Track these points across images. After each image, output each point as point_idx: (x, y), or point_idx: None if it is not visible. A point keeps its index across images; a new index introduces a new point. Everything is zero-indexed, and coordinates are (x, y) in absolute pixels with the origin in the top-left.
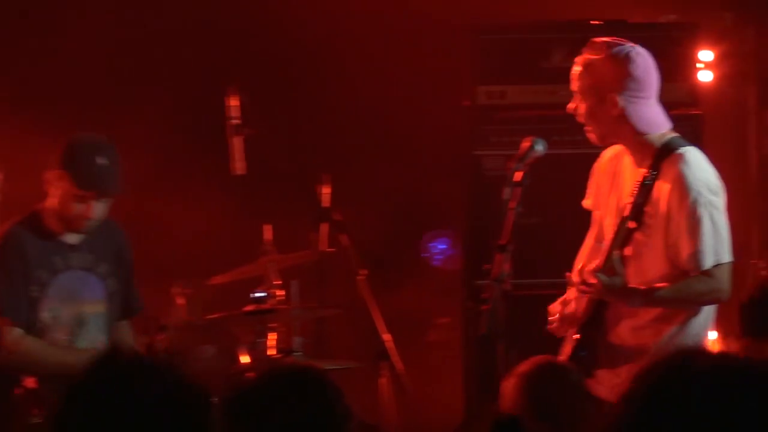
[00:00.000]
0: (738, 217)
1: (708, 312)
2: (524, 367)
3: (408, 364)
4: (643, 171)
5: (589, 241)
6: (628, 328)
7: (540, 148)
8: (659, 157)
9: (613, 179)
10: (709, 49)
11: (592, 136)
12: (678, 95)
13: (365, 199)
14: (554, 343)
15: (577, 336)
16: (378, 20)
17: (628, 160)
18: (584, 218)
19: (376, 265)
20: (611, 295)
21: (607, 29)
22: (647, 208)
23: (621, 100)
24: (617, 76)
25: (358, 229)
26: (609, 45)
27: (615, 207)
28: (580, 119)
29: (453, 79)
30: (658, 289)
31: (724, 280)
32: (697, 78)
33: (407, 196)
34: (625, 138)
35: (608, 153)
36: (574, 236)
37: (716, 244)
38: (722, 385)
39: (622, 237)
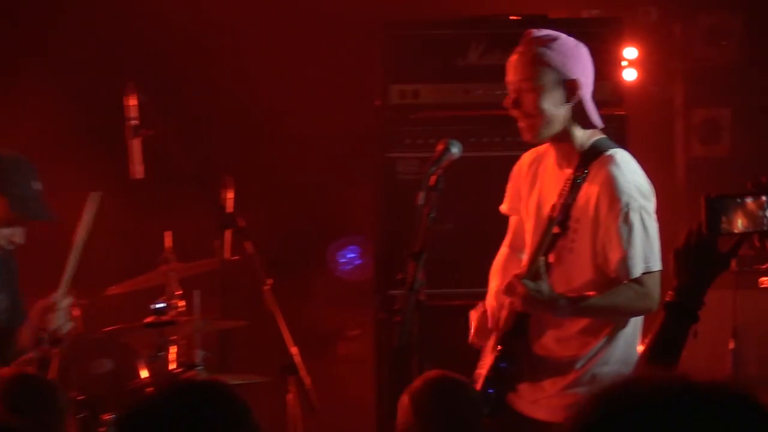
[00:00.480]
0: (664, 223)
1: (636, 324)
2: (416, 383)
3: (317, 379)
4: (567, 172)
5: (504, 248)
6: (553, 340)
7: (455, 150)
8: (587, 159)
9: (533, 183)
10: (634, 46)
11: (528, 133)
12: (601, 95)
13: (272, 204)
14: (471, 355)
15: (499, 347)
16: (286, 16)
17: (549, 162)
18: (502, 224)
19: (283, 274)
20: (536, 303)
21: (526, 25)
22: (573, 212)
23: (581, 86)
24: (578, 63)
25: (264, 236)
26: (553, 34)
27: (535, 211)
28: (521, 113)
29: (364, 77)
30: (586, 297)
31: (655, 288)
32: (621, 76)
33: (316, 201)
34: (562, 134)
35: (528, 156)
36: (491, 243)
37: (647, 251)
38: (666, 413)
39: (547, 242)
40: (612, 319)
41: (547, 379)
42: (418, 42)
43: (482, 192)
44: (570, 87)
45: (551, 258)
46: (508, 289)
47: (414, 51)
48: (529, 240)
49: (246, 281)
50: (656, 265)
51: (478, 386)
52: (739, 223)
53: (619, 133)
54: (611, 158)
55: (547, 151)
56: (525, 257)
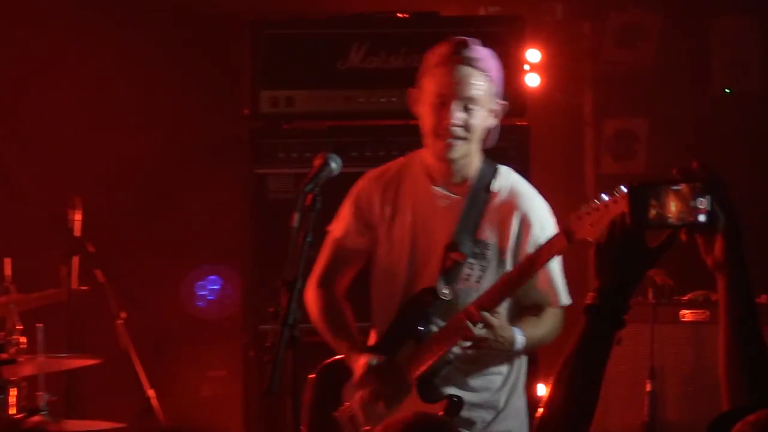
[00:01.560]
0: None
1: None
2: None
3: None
4: (461, 196)
5: (317, 289)
6: (466, 381)
7: (335, 165)
8: (483, 181)
9: (396, 203)
10: (537, 48)
11: (454, 150)
12: None
13: (125, 228)
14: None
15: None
16: (144, 13)
17: (420, 180)
18: None
19: (138, 306)
20: (498, 342)
21: (415, 23)
22: (479, 235)
23: (502, 108)
24: (501, 81)
25: (116, 264)
26: (489, 50)
27: (411, 234)
28: (465, 133)
29: (231, 83)
30: (527, 327)
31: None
32: (523, 82)
33: (176, 224)
34: (470, 153)
35: (378, 176)
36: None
37: (562, 275)
38: None
39: (454, 274)
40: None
41: (474, 422)
42: (292, 43)
43: None
44: (501, 109)
45: (459, 286)
46: (474, 329)
47: (287, 53)
48: (394, 270)
49: (96, 314)
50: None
51: None
52: (669, 215)
53: (520, 146)
54: (517, 183)
55: (404, 171)
56: (393, 288)
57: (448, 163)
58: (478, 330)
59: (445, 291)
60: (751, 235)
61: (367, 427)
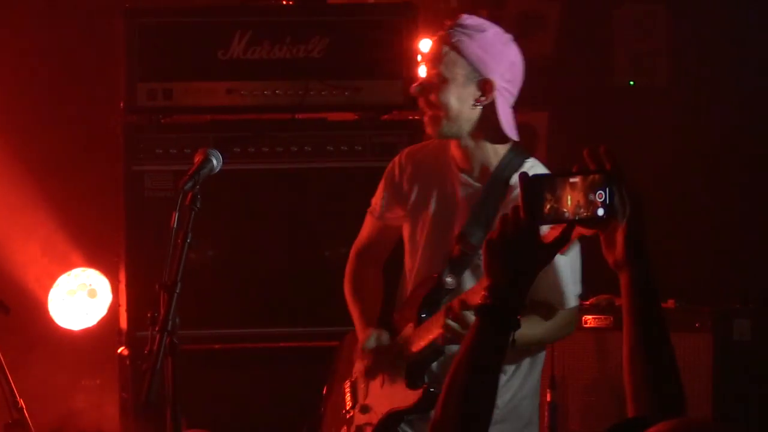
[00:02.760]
0: None
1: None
2: None
3: None
4: (479, 185)
5: (357, 263)
6: None
7: (216, 162)
8: (504, 171)
9: (426, 185)
10: (430, 38)
11: (430, 127)
12: (391, 95)
13: None
14: (237, 408)
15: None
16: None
17: (448, 166)
18: (273, 252)
19: (4, 311)
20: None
21: (299, 12)
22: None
23: (496, 89)
24: (500, 64)
25: None
26: (488, 23)
27: (432, 221)
28: (426, 102)
29: (105, 74)
30: (530, 326)
31: (576, 315)
32: (415, 74)
33: (47, 224)
34: (472, 139)
35: (411, 155)
36: (260, 274)
37: (579, 273)
38: None
39: (462, 264)
40: (543, 347)
41: None
42: (170, 31)
43: (250, 212)
44: (483, 87)
45: (461, 277)
46: (453, 327)
47: (165, 42)
48: (413, 254)
49: None
50: (580, 287)
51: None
52: (565, 209)
53: (413, 141)
54: (536, 169)
55: (440, 151)
56: (414, 272)
57: (462, 149)
58: (453, 324)
59: (449, 280)
60: (652, 236)
61: (366, 402)
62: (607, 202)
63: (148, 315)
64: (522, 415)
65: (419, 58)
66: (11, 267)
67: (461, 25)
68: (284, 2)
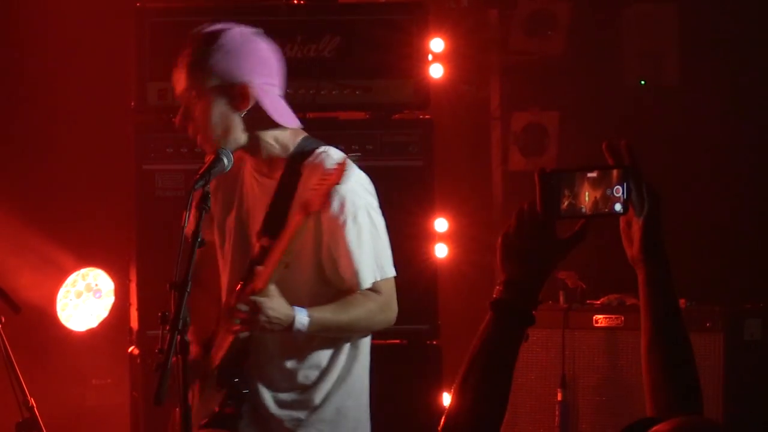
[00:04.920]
0: (480, 248)
1: (367, 345)
2: None
3: None
4: (274, 180)
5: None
6: (281, 371)
7: (227, 161)
8: (296, 161)
9: (230, 196)
10: (441, 37)
11: (206, 147)
12: (401, 95)
13: (7, 227)
14: None
15: (223, 390)
16: None
17: (247, 172)
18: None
19: (15, 310)
20: (273, 324)
21: (310, 11)
22: (289, 220)
23: (254, 89)
24: (247, 61)
25: None
26: (217, 30)
27: (237, 229)
28: (192, 131)
29: (116, 74)
30: (324, 310)
31: (393, 297)
32: (426, 73)
33: (58, 223)
34: (252, 142)
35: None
36: None
37: (380, 254)
38: None
39: (256, 255)
40: (350, 337)
41: (281, 420)
42: (181, 31)
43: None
44: (239, 93)
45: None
46: (240, 310)
47: (175, 42)
48: (225, 266)
49: None
50: (391, 271)
51: None
52: (583, 204)
53: (423, 141)
54: (325, 155)
55: (239, 160)
56: (228, 284)
57: (249, 152)
58: (242, 307)
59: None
60: (664, 235)
61: (203, 421)
62: (625, 197)
63: (159, 314)
64: (344, 413)
65: (430, 57)
66: (21, 266)
67: (196, 39)
68: (295, 1)
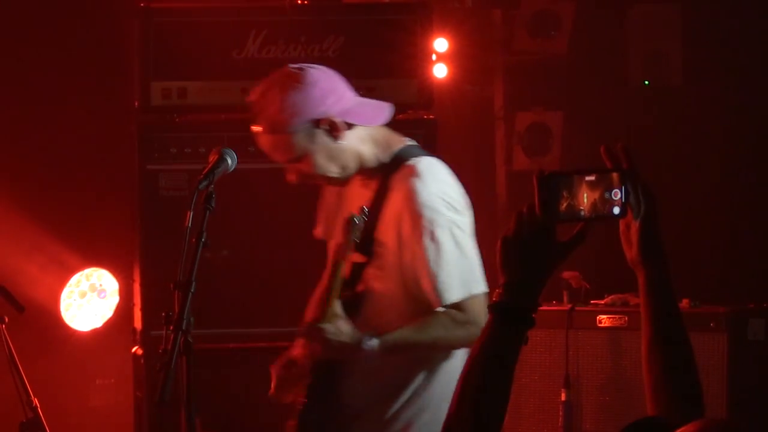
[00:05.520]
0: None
1: (462, 357)
2: None
3: None
4: (371, 189)
5: (323, 280)
6: (363, 385)
7: (231, 161)
8: (387, 172)
9: (340, 203)
10: (445, 37)
11: (335, 185)
12: (405, 95)
13: (14, 227)
14: (251, 408)
15: (303, 400)
16: None
17: (355, 180)
18: (288, 250)
19: (18, 309)
20: (339, 347)
21: (314, 11)
22: (378, 235)
23: (337, 116)
24: (311, 98)
25: None
26: (270, 81)
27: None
28: (315, 178)
29: (120, 73)
30: (397, 332)
31: (480, 314)
32: (430, 73)
33: (61, 222)
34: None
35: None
36: (275, 274)
37: (464, 271)
38: None
39: (338, 277)
40: (432, 354)
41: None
42: (184, 31)
43: (265, 212)
44: (328, 127)
45: (360, 289)
46: (308, 335)
47: (179, 42)
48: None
49: None
50: (479, 287)
51: None
52: (582, 207)
53: (427, 140)
54: (412, 168)
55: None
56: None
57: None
58: (309, 334)
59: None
60: (667, 236)
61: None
62: (623, 200)
63: (163, 314)
64: (416, 428)
65: (434, 57)
66: (25, 266)
67: (262, 112)
68: (299, 2)
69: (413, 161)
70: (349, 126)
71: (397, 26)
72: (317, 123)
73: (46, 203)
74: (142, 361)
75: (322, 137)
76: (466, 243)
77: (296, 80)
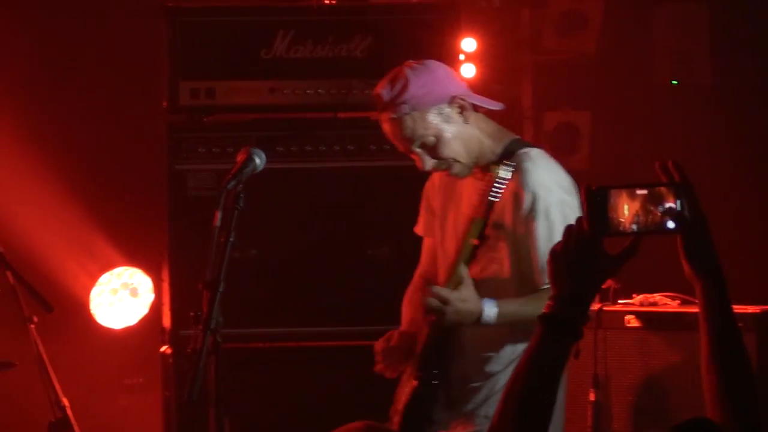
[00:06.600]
0: None
1: None
2: None
3: None
4: (485, 180)
5: (415, 277)
6: (472, 358)
7: (259, 161)
8: (500, 161)
9: (448, 198)
10: (473, 37)
11: (460, 173)
12: None
13: (35, 225)
14: (279, 407)
15: (418, 375)
16: None
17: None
18: (316, 251)
19: (47, 309)
20: (463, 313)
21: (342, 11)
22: (492, 219)
23: (460, 96)
24: (437, 80)
25: (26, 264)
26: (400, 76)
27: (454, 228)
28: (441, 162)
29: (148, 73)
30: (512, 302)
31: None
32: (459, 74)
33: (90, 222)
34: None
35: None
36: (303, 274)
37: None
38: None
39: (466, 254)
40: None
41: (466, 403)
42: (213, 30)
43: (292, 211)
44: (458, 106)
45: (476, 271)
46: (430, 304)
47: (208, 41)
48: (441, 263)
49: (5, 319)
50: None
51: (396, 422)
52: (631, 221)
53: None
54: (526, 155)
55: None
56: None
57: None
58: (433, 303)
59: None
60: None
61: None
62: (676, 214)
63: (191, 314)
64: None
65: (462, 57)
66: (54, 265)
67: (391, 101)
68: (327, 2)
69: (525, 150)
70: (474, 109)
71: (424, 26)
72: (450, 100)
73: (77, 203)
74: (170, 360)
75: (454, 117)
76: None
77: (422, 65)
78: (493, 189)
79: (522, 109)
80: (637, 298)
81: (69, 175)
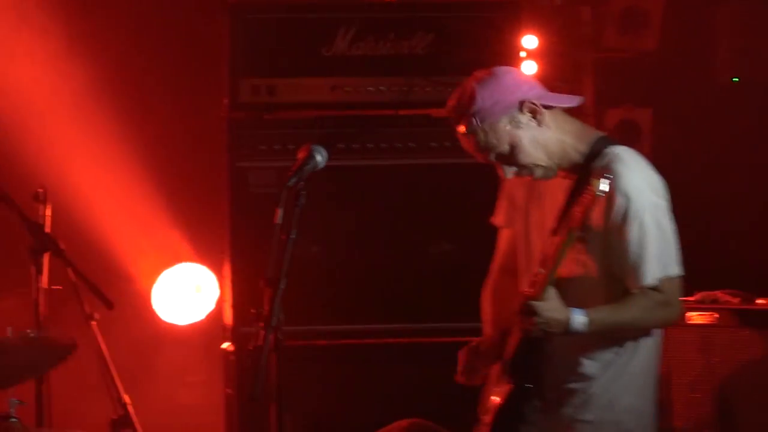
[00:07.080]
0: None
1: (657, 339)
2: None
3: None
4: (571, 178)
5: (493, 271)
6: (566, 362)
7: (320, 158)
8: (589, 161)
9: (531, 192)
10: (534, 34)
11: (544, 177)
12: None
13: (95, 224)
14: (340, 404)
15: (511, 378)
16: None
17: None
18: (378, 248)
19: (107, 306)
20: (552, 325)
21: (403, 8)
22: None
23: (532, 100)
24: (507, 90)
25: (88, 262)
26: (469, 87)
27: (538, 223)
28: (521, 169)
29: (209, 70)
30: (602, 310)
31: (675, 296)
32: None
33: (150, 220)
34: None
35: None
36: (365, 271)
37: (663, 253)
38: None
39: (562, 257)
40: (631, 334)
41: (562, 407)
42: (274, 28)
43: (354, 208)
44: (529, 111)
45: (562, 273)
46: (523, 312)
47: (269, 38)
48: (524, 257)
49: (67, 315)
50: (675, 270)
51: (488, 421)
52: None
53: None
54: (616, 155)
55: None
56: (525, 275)
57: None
58: (523, 314)
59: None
60: (753, 231)
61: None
62: None
63: (253, 311)
64: (617, 406)
65: (523, 54)
66: (118, 262)
67: (464, 113)
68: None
69: (613, 149)
70: (548, 109)
71: (486, 23)
72: (520, 106)
73: (142, 200)
74: (232, 357)
75: (526, 122)
76: (667, 226)
77: (488, 74)
78: (580, 188)
79: (583, 106)
80: (698, 296)
81: (134, 172)
